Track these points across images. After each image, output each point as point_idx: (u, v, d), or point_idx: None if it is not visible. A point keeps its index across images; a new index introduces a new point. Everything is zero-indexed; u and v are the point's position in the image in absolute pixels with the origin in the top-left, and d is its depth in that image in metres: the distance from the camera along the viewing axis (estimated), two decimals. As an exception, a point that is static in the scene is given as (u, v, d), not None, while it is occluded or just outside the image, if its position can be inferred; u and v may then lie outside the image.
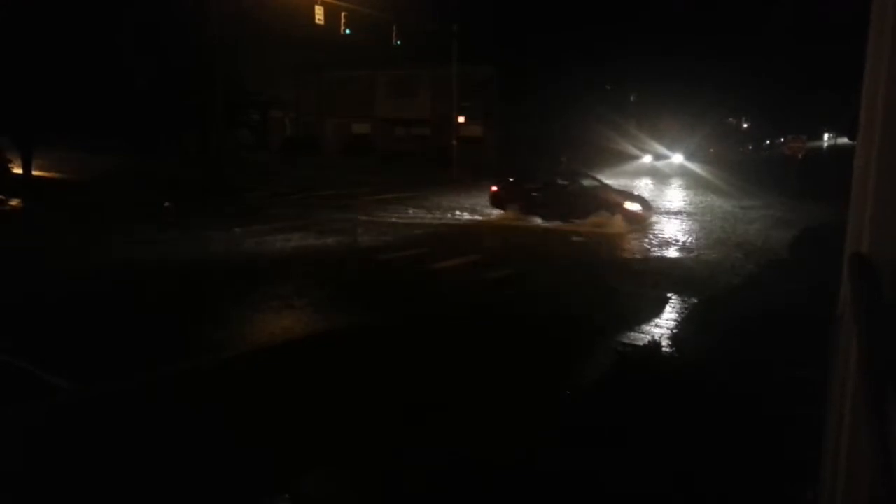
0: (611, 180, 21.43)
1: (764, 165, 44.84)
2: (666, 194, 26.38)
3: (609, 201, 17.08)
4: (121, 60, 22.57)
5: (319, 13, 24.24)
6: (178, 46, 24.68)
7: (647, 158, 45.62)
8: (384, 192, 24.34)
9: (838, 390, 1.58)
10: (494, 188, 18.98)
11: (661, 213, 19.44)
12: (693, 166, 41.35)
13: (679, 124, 49.37)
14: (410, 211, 19.67)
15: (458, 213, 19.61)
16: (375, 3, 27.28)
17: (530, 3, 40.67)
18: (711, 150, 50.38)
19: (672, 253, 13.81)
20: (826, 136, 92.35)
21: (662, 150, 46.53)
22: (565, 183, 18.17)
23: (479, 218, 18.68)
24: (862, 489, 1.41)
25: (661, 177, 35.61)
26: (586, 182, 18.26)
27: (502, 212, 18.49)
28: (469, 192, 25.08)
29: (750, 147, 72.23)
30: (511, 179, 19.46)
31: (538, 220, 17.57)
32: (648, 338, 7.70)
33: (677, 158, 45.93)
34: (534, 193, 18.07)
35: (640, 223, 16.77)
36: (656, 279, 11.00)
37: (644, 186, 28.86)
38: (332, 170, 34.62)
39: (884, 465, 1.14)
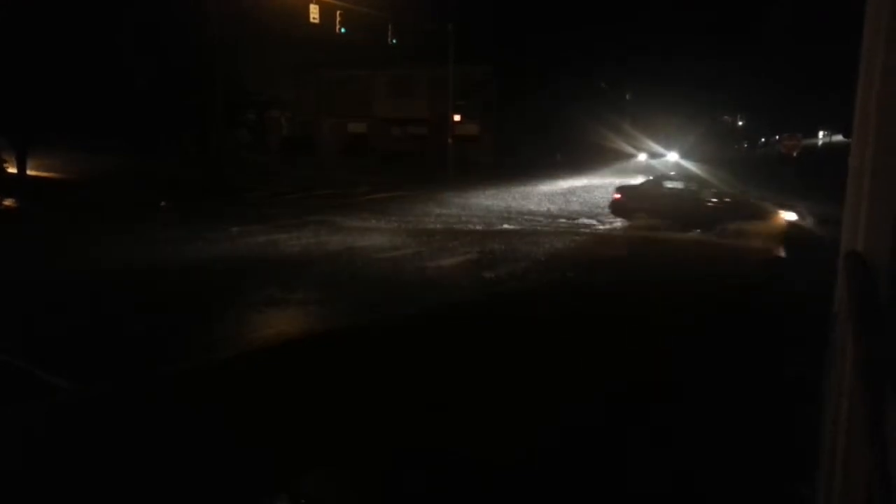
0: (610, 179, 21.26)
1: (760, 163, 44.78)
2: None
3: (756, 210, 15.84)
4: (121, 60, 22.53)
5: (314, 12, 24.24)
6: (178, 46, 24.65)
7: (642, 157, 45.53)
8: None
9: (835, 388, 1.59)
10: (617, 196, 17.70)
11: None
12: (688, 164, 41.15)
13: (675, 122, 49.28)
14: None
15: (562, 220, 17.93)
16: (372, 3, 27.27)
17: (528, 3, 40.69)
18: (700, 148, 49.87)
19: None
20: (821, 133, 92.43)
21: (658, 148, 46.43)
22: (694, 189, 17.19)
23: (611, 227, 17.12)
24: (859, 486, 1.42)
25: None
26: (721, 190, 17.16)
27: (627, 221, 17.24)
28: (466, 190, 25.11)
29: (745, 145, 72.30)
30: (634, 185, 18.16)
31: (666, 229, 16.19)
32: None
33: (672, 157, 45.76)
34: (662, 202, 16.90)
35: None
36: None
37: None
38: (331, 169, 34.64)
39: (880, 463, 1.15)
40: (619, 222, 17.71)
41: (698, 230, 16.04)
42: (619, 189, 18.10)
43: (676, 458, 4.84)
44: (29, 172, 23.40)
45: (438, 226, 16.89)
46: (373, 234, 15.20)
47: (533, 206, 21.39)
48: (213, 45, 23.14)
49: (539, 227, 17.12)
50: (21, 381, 6.15)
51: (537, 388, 6.17)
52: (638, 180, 20.17)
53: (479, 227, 16.74)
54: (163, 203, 19.30)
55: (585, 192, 25.91)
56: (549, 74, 40.26)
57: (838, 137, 74.42)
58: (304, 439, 5.09)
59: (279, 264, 11.88)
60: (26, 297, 9.30)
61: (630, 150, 45.64)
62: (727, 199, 16.55)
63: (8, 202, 19.64)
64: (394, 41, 29.10)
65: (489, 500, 4.38)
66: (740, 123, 76.31)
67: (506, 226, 17.21)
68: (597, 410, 5.69)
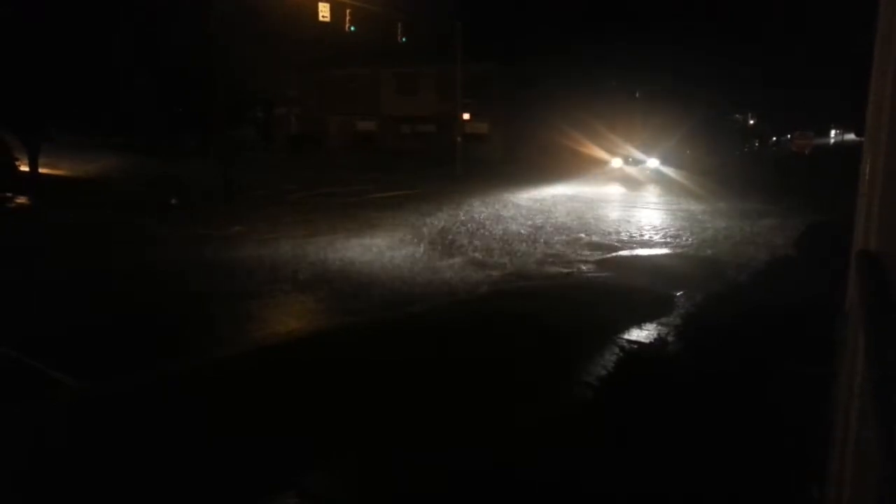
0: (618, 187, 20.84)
1: (766, 165, 43.59)
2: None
3: None
4: (125, 58, 22.62)
5: (325, 10, 24.28)
6: (183, 44, 24.72)
7: (615, 162, 41.47)
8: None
9: (846, 387, 1.58)
10: None
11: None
12: (669, 171, 37.75)
13: (674, 123, 47.81)
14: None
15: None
16: (381, 0, 27.29)
17: (537, 0, 40.60)
18: (688, 151, 45.52)
19: None
20: (833, 132, 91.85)
21: (668, 148, 44.32)
22: None
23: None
24: (869, 485, 1.41)
25: (667, 183, 35.30)
26: None
27: None
28: (482, 187, 25.10)
29: (756, 144, 71.85)
30: None
31: None
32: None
33: (653, 163, 41.66)
34: None
35: None
36: None
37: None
38: (339, 168, 34.65)
39: (891, 463, 1.14)
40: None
41: None
42: None
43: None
44: (40, 170, 23.59)
45: (443, 224, 16.89)
46: (377, 235, 15.21)
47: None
48: (218, 42, 23.17)
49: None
50: (28, 378, 6.20)
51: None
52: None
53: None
54: (173, 201, 19.49)
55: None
56: (552, 72, 40.07)
57: (850, 136, 73.99)
58: (306, 439, 5.10)
59: (280, 263, 11.86)
60: (33, 294, 9.37)
61: (638, 149, 43.29)
62: None
63: (21, 199, 19.83)
64: (403, 39, 29.11)
65: (490, 500, 4.37)
66: (752, 122, 75.79)
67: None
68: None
